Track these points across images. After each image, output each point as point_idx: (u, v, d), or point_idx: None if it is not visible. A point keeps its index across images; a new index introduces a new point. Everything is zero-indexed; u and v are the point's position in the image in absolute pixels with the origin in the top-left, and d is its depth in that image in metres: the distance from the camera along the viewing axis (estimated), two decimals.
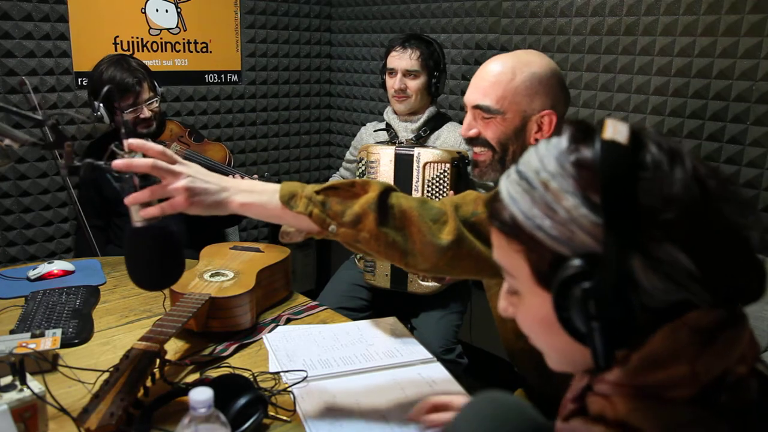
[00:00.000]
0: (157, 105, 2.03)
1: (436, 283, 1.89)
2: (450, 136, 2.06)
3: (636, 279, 0.54)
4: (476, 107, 1.25)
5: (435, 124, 2.10)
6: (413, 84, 2.03)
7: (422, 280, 1.90)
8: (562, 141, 0.59)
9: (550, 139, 0.61)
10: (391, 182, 1.88)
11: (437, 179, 1.84)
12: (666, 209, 0.54)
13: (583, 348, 0.57)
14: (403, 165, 1.87)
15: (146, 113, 1.99)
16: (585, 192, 0.55)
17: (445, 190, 1.83)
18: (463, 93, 2.56)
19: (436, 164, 1.84)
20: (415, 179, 1.86)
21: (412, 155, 1.86)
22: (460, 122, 2.14)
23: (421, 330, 1.93)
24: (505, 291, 0.68)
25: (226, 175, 2.00)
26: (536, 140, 1.20)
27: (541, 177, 0.58)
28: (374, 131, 2.24)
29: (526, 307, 0.64)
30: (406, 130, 2.11)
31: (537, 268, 0.59)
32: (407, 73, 2.03)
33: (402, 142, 2.02)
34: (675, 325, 0.56)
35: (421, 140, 2.07)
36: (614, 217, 0.54)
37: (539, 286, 0.60)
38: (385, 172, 1.90)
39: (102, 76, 1.95)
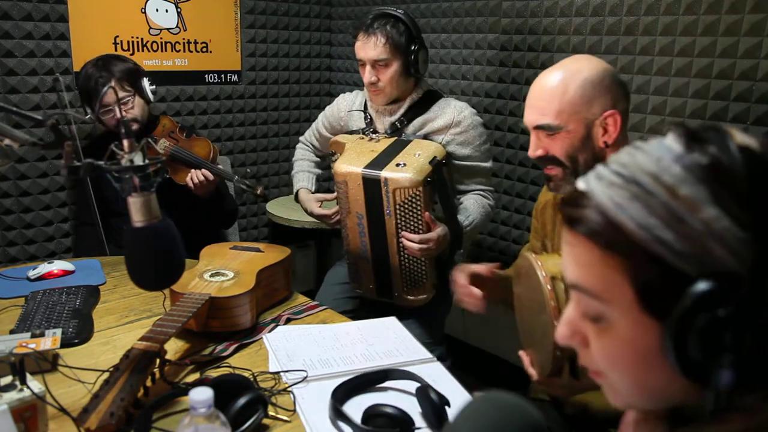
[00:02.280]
0: (132, 106, 1.99)
1: (422, 296, 1.80)
2: (439, 120, 1.85)
3: None
4: (537, 128, 1.23)
5: (418, 110, 1.88)
6: (385, 75, 1.80)
7: (408, 295, 1.80)
8: (673, 143, 0.52)
9: (650, 141, 0.54)
10: (363, 205, 1.71)
11: (409, 202, 1.67)
12: None
13: (681, 385, 0.51)
14: (372, 188, 1.69)
15: (118, 115, 1.92)
16: (723, 201, 0.48)
17: (418, 211, 1.67)
18: (463, 93, 2.57)
19: (405, 189, 1.64)
20: (386, 204, 1.68)
21: (379, 179, 1.66)
22: (474, 108, 2.07)
23: None
24: (574, 316, 0.58)
25: (199, 168, 1.97)
26: (605, 143, 1.19)
27: (663, 181, 0.50)
28: (349, 111, 2.03)
29: (615, 337, 0.54)
30: (383, 123, 1.93)
31: (646, 289, 0.50)
32: (377, 63, 1.79)
33: (374, 137, 1.85)
34: None
35: (396, 132, 1.88)
36: (765, 232, 0.47)
37: (642, 311, 0.51)
38: (355, 194, 1.73)
39: (83, 76, 1.98)
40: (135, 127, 2.01)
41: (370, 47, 1.79)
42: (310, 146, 2.24)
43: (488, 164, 1.92)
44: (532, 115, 1.24)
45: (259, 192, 2.02)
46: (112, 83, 1.95)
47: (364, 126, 1.96)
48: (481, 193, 1.92)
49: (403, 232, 1.70)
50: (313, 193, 2.10)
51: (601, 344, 0.56)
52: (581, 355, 0.60)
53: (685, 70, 1.91)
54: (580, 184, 0.56)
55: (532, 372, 1.15)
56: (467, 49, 2.53)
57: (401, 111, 1.89)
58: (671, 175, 0.50)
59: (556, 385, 1.11)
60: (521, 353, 1.24)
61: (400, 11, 1.83)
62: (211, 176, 1.98)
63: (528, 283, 1.10)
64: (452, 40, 2.58)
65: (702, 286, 0.47)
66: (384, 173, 1.65)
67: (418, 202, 1.67)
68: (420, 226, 1.70)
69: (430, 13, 2.66)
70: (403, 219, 1.69)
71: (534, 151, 1.25)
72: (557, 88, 1.19)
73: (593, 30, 2.12)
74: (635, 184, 0.51)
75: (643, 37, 1.99)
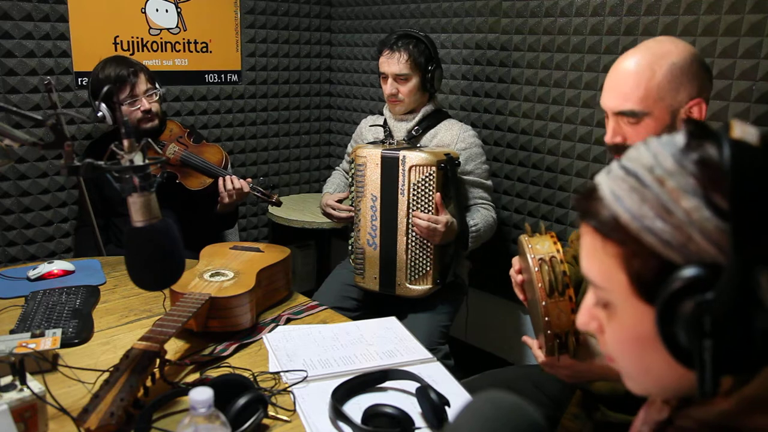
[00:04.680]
0: (157, 98, 2.02)
1: (424, 286, 1.88)
2: (447, 135, 2.05)
3: (760, 298, 0.48)
4: (619, 114, 1.17)
5: (430, 122, 2.07)
6: (405, 88, 2.00)
7: (410, 284, 1.89)
8: (678, 138, 0.54)
9: (661, 136, 0.56)
10: (378, 185, 1.86)
11: (422, 182, 1.81)
12: None
13: (681, 371, 0.52)
14: (389, 168, 1.84)
15: (146, 104, 1.97)
16: (708, 193, 0.50)
17: (430, 193, 1.81)
18: (463, 93, 2.57)
19: (421, 167, 1.80)
20: (400, 183, 1.83)
21: (398, 158, 1.82)
22: (460, 120, 2.16)
23: None
24: (590, 304, 0.61)
25: (219, 176, 2.01)
26: None
27: (655, 174, 0.52)
28: (370, 126, 2.23)
29: (619, 323, 0.57)
30: (399, 130, 2.10)
31: (638, 276, 0.53)
32: (398, 78, 1.99)
33: (393, 142, 2.01)
34: None
35: (413, 140, 2.06)
36: (745, 224, 0.48)
37: (638, 297, 0.54)
38: (372, 175, 1.88)
39: (99, 75, 1.95)
40: (156, 122, 2.03)
41: (393, 63, 1.98)
42: (342, 171, 2.42)
43: (489, 182, 2.09)
44: (613, 100, 1.17)
45: (274, 200, 2.04)
46: (142, 74, 1.96)
47: (383, 138, 2.12)
48: (484, 205, 2.06)
49: (414, 212, 1.82)
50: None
51: (610, 330, 0.59)
52: (599, 342, 0.62)
53: None
54: (596, 177, 0.59)
55: (538, 354, 1.15)
56: (467, 49, 2.53)
57: (416, 119, 2.07)
58: (663, 168, 0.52)
59: (558, 366, 1.11)
60: (525, 338, 1.24)
61: (421, 33, 2.03)
62: (246, 186, 1.99)
63: (525, 266, 1.11)
64: (452, 40, 2.58)
65: (683, 274, 0.49)
66: (402, 152, 1.83)
67: (432, 183, 1.81)
68: (430, 209, 1.82)
69: (429, 13, 2.66)
70: (415, 199, 1.83)
71: (612, 137, 1.19)
72: (644, 72, 1.13)
73: (593, 30, 2.12)
74: (634, 177, 0.54)
75: (643, 37, 1.99)
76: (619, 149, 1.20)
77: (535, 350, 1.17)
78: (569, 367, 1.10)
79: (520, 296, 1.27)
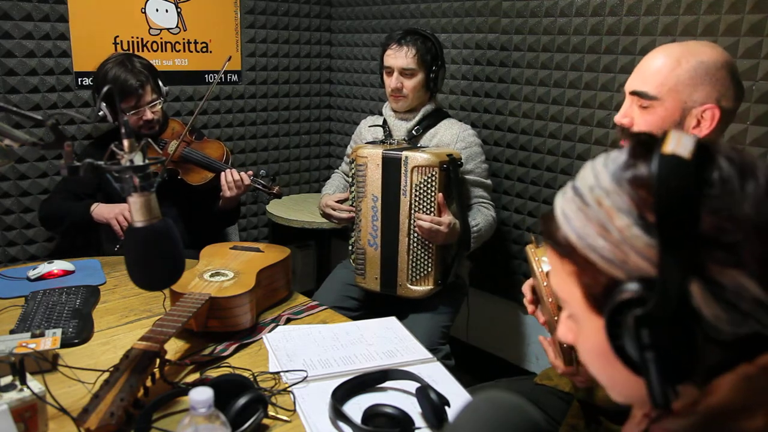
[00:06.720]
0: (160, 107, 2.03)
1: (426, 287, 1.88)
2: (446, 134, 2.04)
3: (695, 307, 0.49)
4: (633, 93, 1.19)
5: (430, 122, 2.07)
6: (410, 83, 1.99)
7: (411, 284, 1.89)
8: (622, 155, 0.56)
9: (609, 153, 0.58)
10: (379, 186, 1.85)
11: (425, 183, 1.80)
12: (733, 230, 0.50)
13: (640, 382, 0.53)
14: (391, 168, 1.83)
15: (149, 115, 1.98)
16: (640, 211, 0.52)
17: (433, 194, 1.80)
18: (463, 93, 2.57)
19: (423, 168, 1.78)
20: (403, 183, 1.81)
21: (400, 158, 1.81)
22: (461, 120, 2.16)
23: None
24: (564, 316, 0.64)
25: (221, 171, 2.01)
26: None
27: (595, 194, 0.55)
28: (369, 126, 2.23)
29: (583, 334, 0.60)
30: (400, 129, 2.09)
31: (590, 292, 0.56)
32: (404, 72, 1.98)
33: (393, 142, 2.00)
34: (748, 369, 0.51)
35: (413, 140, 2.05)
36: (670, 238, 0.50)
37: (592, 312, 0.56)
38: (373, 175, 1.86)
39: (106, 76, 1.94)
40: (155, 129, 2.04)
41: (401, 56, 1.97)
42: (341, 173, 2.40)
43: (488, 181, 2.09)
44: (634, 80, 1.20)
45: (276, 191, 2.04)
46: (149, 85, 1.96)
47: (383, 138, 2.10)
48: (484, 204, 2.06)
49: (416, 213, 1.81)
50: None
51: (580, 341, 0.61)
52: (578, 352, 0.63)
53: None
54: (555, 198, 0.61)
55: (557, 364, 1.15)
56: (467, 49, 2.53)
57: (417, 118, 2.07)
58: (601, 188, 0.55)
59: (576, 375, 1.11)
60: (541, 338, 1.22)
61: (428, 32, 2.03)
62: (247, 179, 2.00)
63: (535, 281, 1.11)
64: (452, 40, 2.58)
65: (622, 288, 0.52)
66: (404, 153, 1.82)
67: (434, 184, 1.79)
68: (432, 210, 1.81)
69: (430, 13, 2.66)
70: (417, 199, 1.82)
71: (621, 117, 1.22)
72: (670, 61, 1.15)
73: (593, 30, 2.12)
74: (579, 197, 0.56)
75: (643, 37, 1.99)
76: (625, 133, 1.21)
77: (552, 359, 1.16)
78: (587, 376, 1.09)
79: (540, 320, 1.24)
